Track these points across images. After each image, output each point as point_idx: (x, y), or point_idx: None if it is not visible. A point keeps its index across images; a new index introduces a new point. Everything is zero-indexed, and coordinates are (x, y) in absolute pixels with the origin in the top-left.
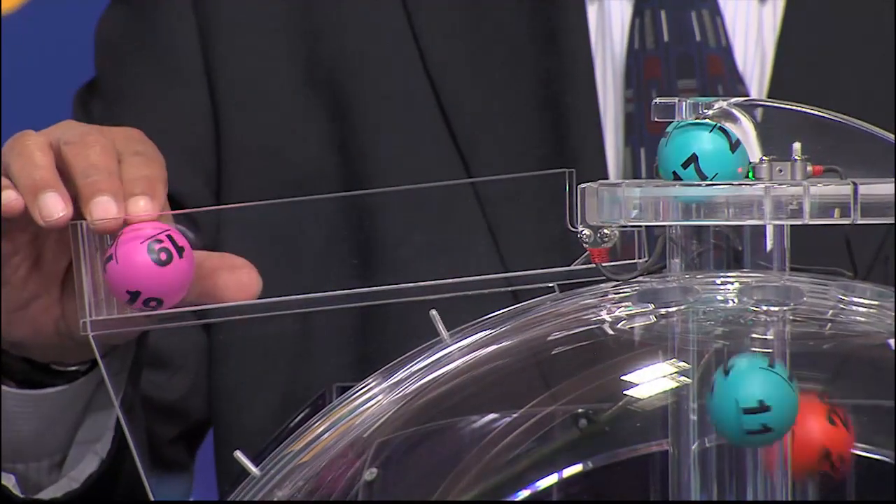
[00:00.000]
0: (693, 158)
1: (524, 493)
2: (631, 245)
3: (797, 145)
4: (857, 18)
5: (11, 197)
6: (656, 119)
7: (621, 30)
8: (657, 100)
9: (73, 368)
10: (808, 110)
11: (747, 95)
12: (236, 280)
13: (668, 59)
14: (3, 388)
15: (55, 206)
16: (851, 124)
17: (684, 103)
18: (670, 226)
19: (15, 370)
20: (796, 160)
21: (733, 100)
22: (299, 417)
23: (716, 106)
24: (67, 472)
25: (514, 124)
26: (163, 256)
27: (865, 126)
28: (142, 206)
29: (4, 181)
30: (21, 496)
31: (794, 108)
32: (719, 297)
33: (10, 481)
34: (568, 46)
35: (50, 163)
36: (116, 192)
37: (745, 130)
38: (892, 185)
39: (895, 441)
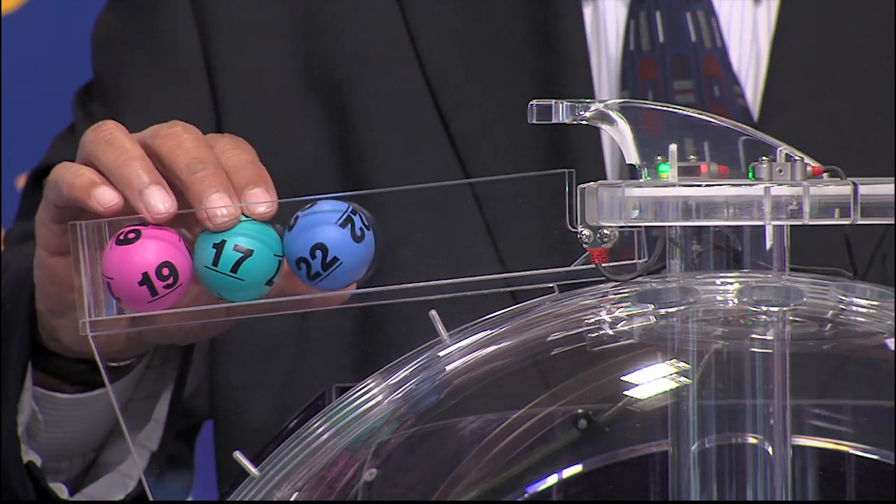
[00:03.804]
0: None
1: (524, 494)
2: (630, 245)
3: (673, 147)
4: (850, 18)
5: (111, 198)
6: (534, 121)
7: (616, 31)
8: (534, 102)
9: (126, 363)
10: (679, 111)
11: (743, 96)
12: None
13: (664, 60)
14: (60, 395)
15: (163, 201)
16: (721, 123)
17: (561, 105)
18: (670, 226)
19: (71, 372)
20: (796, 160)
21: (610, 102)
22: (299, 417)
23: (592, 108)
24: (108, 461)
25: (511, 125)
26: (131, 236)
27: (732, 124)
28: (258, 195)
29: (96, 175)
30: (71, 501)
31: (667, 109)
32: (719, 298)
33: (62, 492)
34: (565, 48)
35: (143, 153)
36: (227, 186)
37: (623, 133)
38: (892, 185)
39: (895, 441)
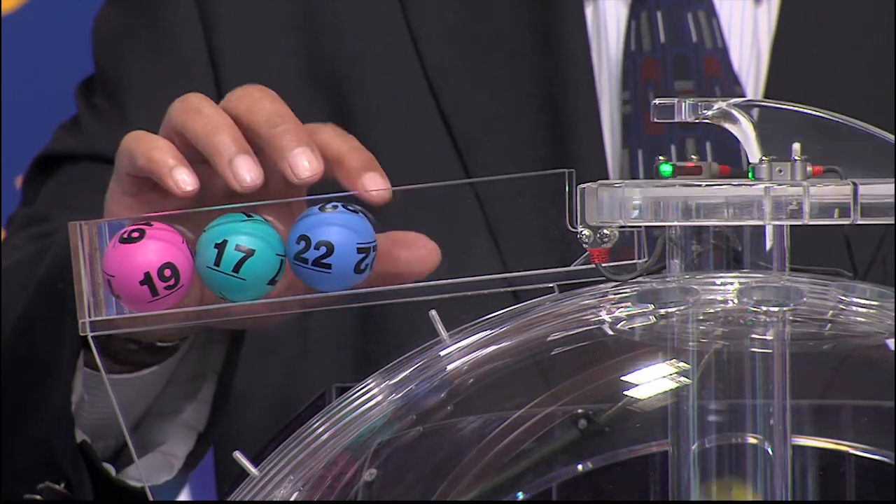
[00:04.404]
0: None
1: (524, 494)
2: (630, 245)
3: (797, 146)
4: (851, 18)
5: (191, 181)
6: (656, 120)
7: (617, 32)
8: (656, 100)
9: (174, 343)
10: (806, 110)
11: (744, 96)
12: (416, 255)
13: (665, 60)
14: (114, 376)
15: (249, 171)
16: (850, 124)
17: (683, 104)
18: (670, 226)
19: (120, 351)
20: (796, 160)
21: (732, 101)
22: (299, 417)
23: (715, 107)
24: (150, 442)
25: (512, 126)
26: (134, 235)
27: (863, 125)
28: (374, 178)
29: (174, 152)
30: (138, 485)
31: (792, 108)
32: (719, 298)
33: (111, 472)
34: (567, 48)
35: (232, 122)
36: (308, 141)
37: (745, 131)
38: (892, 185)
39: (895, 441)
